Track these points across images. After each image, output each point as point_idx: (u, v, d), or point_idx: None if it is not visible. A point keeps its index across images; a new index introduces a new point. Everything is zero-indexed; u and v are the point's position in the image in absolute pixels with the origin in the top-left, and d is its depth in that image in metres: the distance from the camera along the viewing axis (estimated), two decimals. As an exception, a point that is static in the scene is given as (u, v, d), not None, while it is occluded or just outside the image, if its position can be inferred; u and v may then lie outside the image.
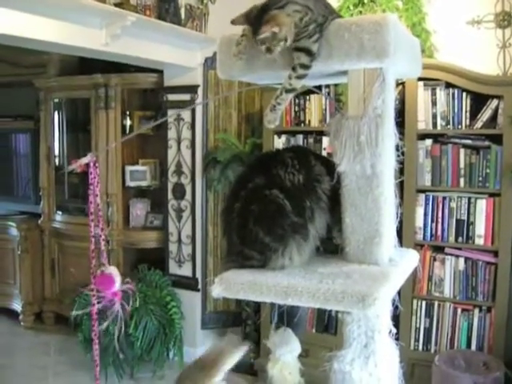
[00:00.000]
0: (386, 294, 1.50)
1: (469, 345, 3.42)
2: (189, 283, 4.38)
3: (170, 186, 4.46)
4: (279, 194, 1.64)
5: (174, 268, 4.49)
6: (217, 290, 1.59)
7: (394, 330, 1.76)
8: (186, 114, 4.33)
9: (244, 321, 4.29)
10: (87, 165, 1.92)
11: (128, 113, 4.82)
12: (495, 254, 3.34)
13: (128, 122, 4.82)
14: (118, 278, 1.95)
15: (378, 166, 1.61)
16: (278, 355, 2.01)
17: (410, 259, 1.78)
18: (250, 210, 1.66)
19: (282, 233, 1.64)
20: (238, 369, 4.23)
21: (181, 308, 4.25)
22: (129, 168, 4.82)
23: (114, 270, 1.98)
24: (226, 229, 1.78)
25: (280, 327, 1.94)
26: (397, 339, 3.37)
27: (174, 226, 4.46)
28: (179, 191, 4.41)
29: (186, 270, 4.43)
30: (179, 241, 4.44)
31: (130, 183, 4.82)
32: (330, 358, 1.73)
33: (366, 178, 1.61)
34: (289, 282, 1.54)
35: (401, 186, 3.46)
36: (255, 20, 1.58)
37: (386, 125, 1.63)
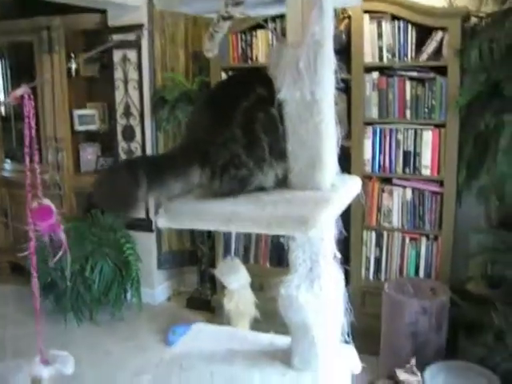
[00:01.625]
0: (328, 216, 1.53)
1: (417, 272, 3.54)
2: (143, 224, 4.39)
3: (119, 129, 4.41)
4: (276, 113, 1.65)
5: (127, 210, 4.47)
6: (162, 220, 1.60)
7: (339, 255, 1.81)
8: (132, 55, 4.25)
9: (199, 259, 4.34)
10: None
11: (73, 55, 4.70)
12: (441, 183, 3.43)
13: (73, 65, 4.69)
14: (54, 210, 1.96)
15: (317, 93, 1.62)
16: (228, 284, 2.02)
17: (352, 185, 1.82)
18: (257, 117, 1.63)
19: (281, 149, 1.65)
20: (196, 306, 4.34)
21: (136, 250, 4.27)
22: (77, 112, 4.74)
23: (49, 202, 1.98)
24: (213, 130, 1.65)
25: (228, 257, 1.97)
26: (348, 269, 3.49)
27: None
28: (129, 133, 4.36)
29: (139, 212, 4.42)
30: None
31: (79, 127, 4.75)
32: (277, 284, 1.78)
33: (306, 104, 1.62)
34: (232, 209, 1.56)
35: (348, 119, 3.51)
36: None
37: (324, 52, 1.63)
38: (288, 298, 1.72)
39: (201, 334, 2.12)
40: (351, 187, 1.81)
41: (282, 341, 2.01)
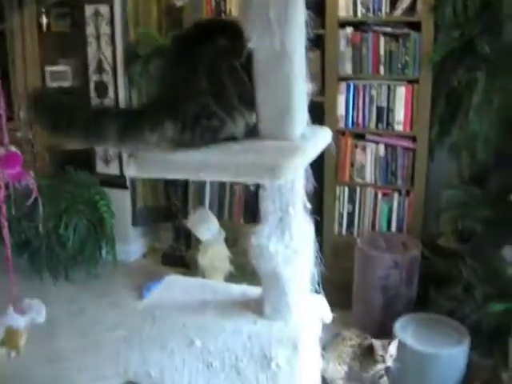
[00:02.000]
0: (297, 164, 1.54)
1: (389, 227, 3.59)
2: (117, 181, 4.37)
3: (92, 85, 4.35)
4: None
5: (101, 167, 4.45)
6: (131, 170, 1.60)
7: (309, 205, 1.83)
8: (104, 10, 4.17)
9: (174, 215, 4.35)
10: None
11: (44, 10, 4.60)
12: (413, 139, 3.45)
13: (44, 20, 4.62)
14: (21, 157, 1.95)
15: (287, 43, 1.61)
16: (200, 235, 2.04)
17: (322, 136, 1.83)
18: (222, 67, 1.63)
19: (250, 98, 1.65)
20: (171, 262, 4.36)
21: (110, 206, 4.26)
22: (48, 68, 4.66)
23: (16, 150, 1.97)
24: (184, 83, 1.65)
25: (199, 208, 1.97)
26: (321, 225, 3.52)
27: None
28: (102, 89, 4.31)
29: (113, 169, 4.40)
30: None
31: (51, 84, 4.67)
32: (248, 234, 1.80)
33: (275, 54, 1.62)
34: (202, 157, 1.57)
35: (322, 75, 3.50)
36: None
37: (295, 1, 1.62)
38: (259, 248, 1.74)
39: (173, 286, 2.14)
40: (321, 138, 1.82)
41: (253, 291, 2.03)
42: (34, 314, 2.89)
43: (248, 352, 1.80)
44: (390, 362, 2.61)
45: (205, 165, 1.54)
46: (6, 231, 2.28)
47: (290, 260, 1.74)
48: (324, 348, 2.50)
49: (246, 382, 1.77)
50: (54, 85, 4.66)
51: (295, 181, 1.70)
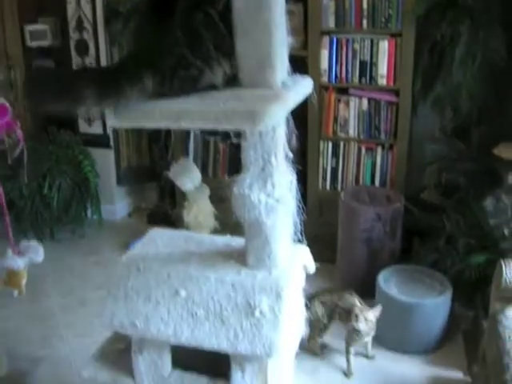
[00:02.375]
0: (277, 111, 1.54)
1: (372, 181, 3.61)
2: (100, 141, 4.34)
3: (72, 44, 4.29)
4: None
5: (84, 127, 4.41)
6: (113, 120, 1.60)
7: (291, 155, 1.83)
8: (83, -35, 4.09)
9: (159, 175, 4.34)
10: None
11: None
12: (397, 93, 3.45)
13: (21, -23, 4.52)
14: (9, 108, 1.93)
15: (266, -11, 1.60)
16: (181, 185, 2.03)
17: (303, 85, 1.83)
18: (196, 17, 1.62)
19: (227, 47, 1.65)
20: (156, 221, 4.36)
21: (95, 166, 4.24)
22: (28, 27, 4.56)
23: (3, 100, 1.95)
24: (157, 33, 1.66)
25: (180, 158, 1.97)
26: (305, 180, 3.53)
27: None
28: (82, 48, 4.25)
29: (96, 128, 4.36)
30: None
31: (31, 43, 4.59)
32: (230, 184, 1.81)
33: (255, 1, 1.60)
34: (182, 106, 1.57)
35: (305, 29, 3.47)
36: None
37: None
38: (241, 197, 1.75)
39: (157, 239, 2.15)
40: (303, 87, 1.82)
41: (237, 242, 2.06)
42: (32, 254, 3.03)
43: (232, 301, 1.83)
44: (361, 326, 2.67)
45: (185, 112, 1.54)
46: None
47: (272, 209, 1.75)
48: (308, 300, 2.54)
49: (230, 329, 1.79)
50: (34, 44, 4.58)
51: (276, 129, 1.70)
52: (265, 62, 1.65)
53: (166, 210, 4.31)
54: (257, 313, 1.78)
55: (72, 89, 1.58)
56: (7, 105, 1.93)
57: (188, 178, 2.08)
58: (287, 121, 1.79)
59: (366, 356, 2.89)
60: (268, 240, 1.83)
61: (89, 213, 4.33)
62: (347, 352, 2.78)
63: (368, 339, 2.80)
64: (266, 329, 1.77)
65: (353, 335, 2.74)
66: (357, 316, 2.64)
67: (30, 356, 2.96)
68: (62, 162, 4.15)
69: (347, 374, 2.79)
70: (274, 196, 1.75)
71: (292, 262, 1.95)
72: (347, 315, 2.73)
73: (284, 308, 1.79)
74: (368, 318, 2.66)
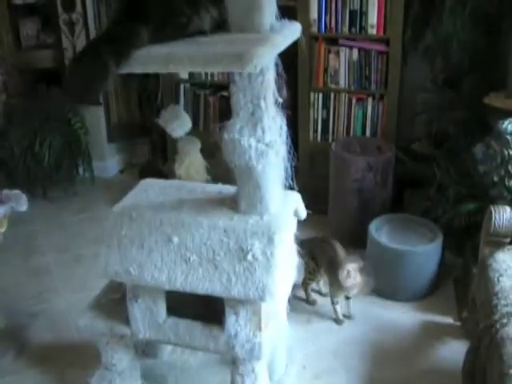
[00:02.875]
0: (266, 53, 1.54)
1: (363, 132, 3.60)
2: (90, 97, 4.31)
3: (58, 0, 4.22)
4: None
5: (73, 84, 4.37)
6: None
7: (280, 99, 1.83)
8: None
9: (150, 130, 4.33)
10: None
11: None
12: (387, 43, 3.42)
13: None
14: None
15: None
16: (171, 132, 2.03)
17: (291, 29, 1.81)
18: None
19: None
20: (148, 177, 4.35)
21: (85, 123, 4.21)
22: (12, -16, 4.50)
23: None
24: None
25: (170, 105, 1.97)
26: (296, 132, 3.53)
27: (68, 42, 4.28)
28: (68, 4, 4.18)
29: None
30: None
31: (17, 1, 4.51)
32: (220, 129, 1.81)
33: None
34: (169, 50, 1.56)
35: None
36: None
37: None
38: (231, 143, 1.76)
39: (149, 189, 2.17)
40: (291, 31, 1.81)
41: (229, 189, 2.07)
42: (14, 203, 2.84)
43: (225, 246, 1.85)
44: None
45: (173, 56, 1.53)
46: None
47: (262, 154, 1.76)
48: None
49: (223, 274, 1.82)
50: (19, 1, 4.51)
51: (265, 73, 1.69)
52: (253, 5, 1.63)
53: (157, 165, 4.30)
54: (249, 257, 1.81)
55: (98, 70, 1.62)
56: None
57: (178, 124, 2.07)
58: (276, 66, 1.78)
59: (345, 315, 2.87)
60: (259, 185, 1.84)
61: (80, 170, 4.32)
62: (333, 302, 2.81)
63: (353, 292, 2.78)
64: (258, 273, 1.79)
65: (336, 288, 2.76)
66: (343, 269, 2.65)
67: (26, 311, 2.99)
68: (52, 119, 4.12)
69: (337, 321, 2.83)
70: (264, 141, 1.76)
71: (283, 208, 1.97)
72: (330, 265, 2.75)
73: (276, 252, 1.81)
74: (352, 270, 2.67)
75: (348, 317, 2.85)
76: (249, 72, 1.59)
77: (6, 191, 2.81)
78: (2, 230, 2.85)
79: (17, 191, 2.82)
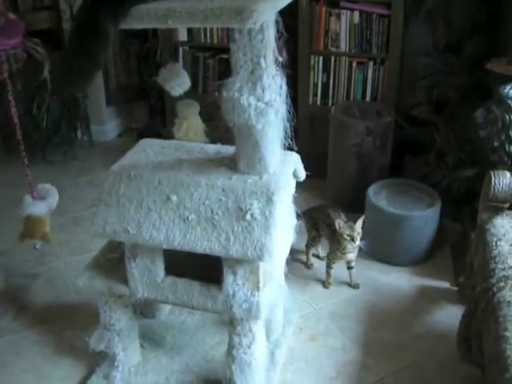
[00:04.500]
0: (266, 9, 1.52)
1: (363, 96, 3.57)
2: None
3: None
4: None
5: (71, 47, 4.32)
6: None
7: (280, 58, 1.81)
8: None
9: (148, 93, 4.30)
10: None
11: None
12: (389, 6, 3.37)
13: None
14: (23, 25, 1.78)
15: None
16: (170, 90, 2.01)
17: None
18: None
19: None
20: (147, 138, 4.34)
21: (83, 86, 4.18)
22: None
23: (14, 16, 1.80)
24: None
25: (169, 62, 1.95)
26: (296, 92, 3.49)
27: (65, 3, 4.22)
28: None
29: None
30: (72, 19, 4.23)
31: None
32: (219, 87, 1.79)
33: None
34: (169, 5, 1.53)
35: None
36: None
37: None
38: (230, 101, 1.74)
39: (147, 148, 2.15)
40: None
41: (227, 150, 2.06)
42: (50, 198, 2.68)
43: (223, 205, 1.85)
44: (357, 241, 2.68)
45: (172, 12, 1.51)
46: (14, 110, 2.04)
47: (262, 112, 1.75)
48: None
49: (222, 233, 1.82)
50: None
51: (265, 31, 1.67)
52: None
53: (156, 128, 4.28)
54: (248, 216, 1.81)
55: (99, 42, 1.62)
56: (20, 21, 1.74)
57: (177, 82, 2.05)
58: (277, 24, 1.75)
59: (350, 284, 2.87)
60: (258, 144, 1.83)
61: (79, 134, 4.30)
62: (328, 267, 2.83)
63: (351, 257, 2.78)
64: (257, 232, 1.79)
65: (336, 251, 2.76)
66: (340, 224, 2.66)
67: (26, 272, 3.00)
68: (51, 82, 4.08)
69: (325, 285, 2.85)
70: (264, 99, 1.75)
71: (283, 168, 1.96)
72: (331, 232, 2.76)
73: (275, 212, 1.81)
74: (352, 227, 2.67)
75: (354, 286, 2.86)
76: (249, 28, 1.57)
77: (41, 186, 2.61)
78: (48, 228, 2.69)
79: (48, 185, 2.62)
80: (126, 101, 4.56)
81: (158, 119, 4.32)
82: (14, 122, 2.13)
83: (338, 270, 2.86)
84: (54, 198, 2.66)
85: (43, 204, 2.64)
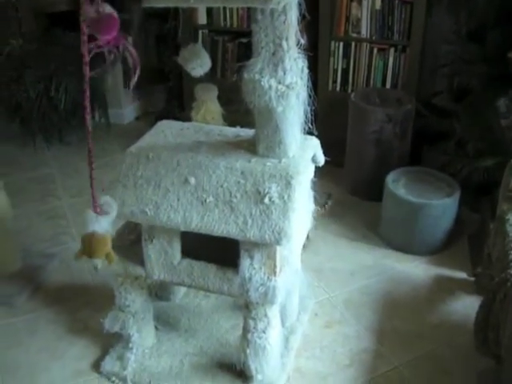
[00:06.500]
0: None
1: (384, 83, 3.53)
2: (107, 41, 4.25)
3: None
4: None
5: (89, 28, 4.31)
6: None
7: (303, 41, 1.78)
8: None
9: (167, 76, 4.29)
10: None
11: None
12: (412, -8, 3.34)
13: None
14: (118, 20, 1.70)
15: None
16: (191, 70, 1.99)
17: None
18: None
19: None
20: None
21: (101, 68, 4.17)
22: None
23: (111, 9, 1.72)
24: None
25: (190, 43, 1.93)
26: (315, 81, 3.47)
27: (86, -15, 4.22)
28: None
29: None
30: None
31: None
32: (240, 69, 1.77)
33: None
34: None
35: None
36: None
37: None
38: (251, 82, 1.72)
39: (166, 130, 2.15)
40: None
41: (247, 132, 2.05)
42: (112, 211, 2.39)
43: (241, 188, 1.83)
44: None
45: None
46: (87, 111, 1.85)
47: (282, 95, 1.73)
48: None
49: (239, 216, 1.81)
50: None
51: (288, 12, 1.65)
52: None
53: (174, 112, 4.26)
54: (266, 200, 1.79)
55: None
56: (116, 15, 1.62)
57: (198, 63, 2.02)
58: (299, 6, 1.73)
59: None
60: (279, 127, 1.81)
61: (96, 116, 4.29)
62: None
63: None
64: (275, 216, 1.78)
65: None
66: None
67: (42, 252, 3.01)
68: (68, 63, 4.06)
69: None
70: (285, 82, 1.72)
71: (302, 152, 1.94)
72: None
73: (293, 196, 1.79)
74: None
75: None
76: (271, 9, 1.54)
77: (104, 199, 2.24)
78: (110, 246, 2.23)
79: (107, 197, 2.25)
80: (145, 84, 4.55)
81: (175, 103, 4.31)
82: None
83: (351, 261, 2.85)
84: (113, 212, 2.34)
85: (107, 220, 2.23)
